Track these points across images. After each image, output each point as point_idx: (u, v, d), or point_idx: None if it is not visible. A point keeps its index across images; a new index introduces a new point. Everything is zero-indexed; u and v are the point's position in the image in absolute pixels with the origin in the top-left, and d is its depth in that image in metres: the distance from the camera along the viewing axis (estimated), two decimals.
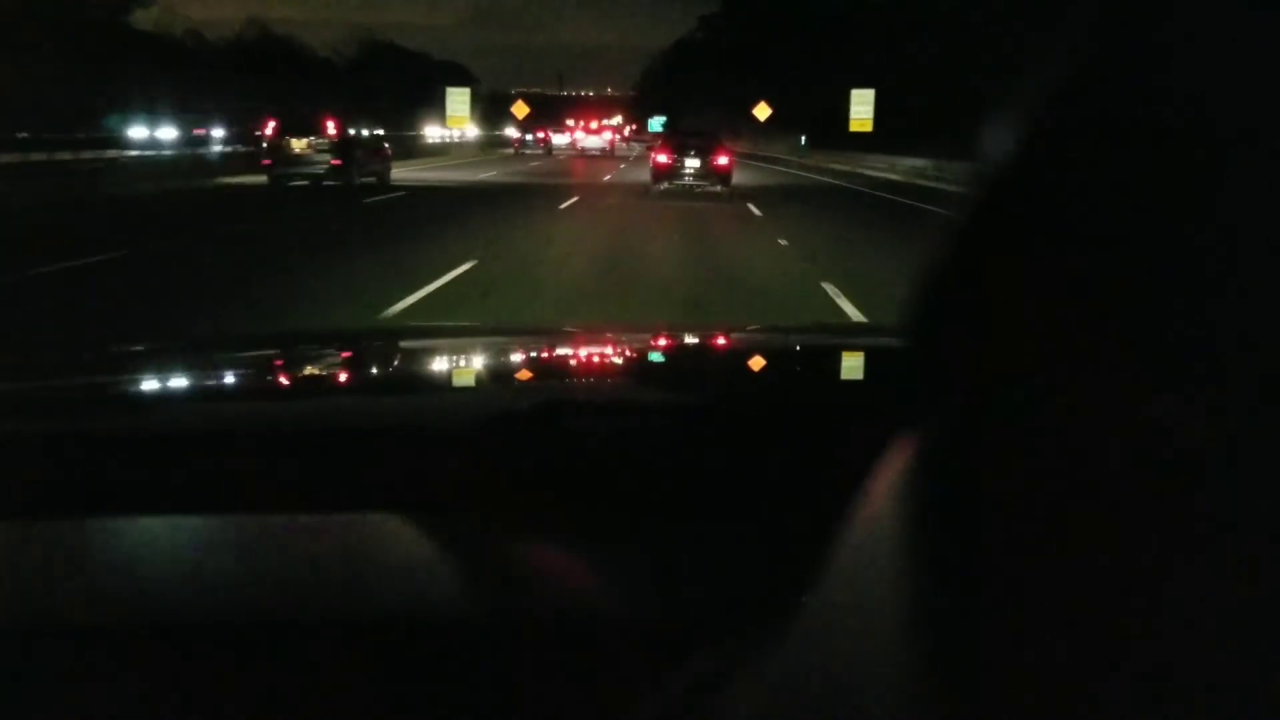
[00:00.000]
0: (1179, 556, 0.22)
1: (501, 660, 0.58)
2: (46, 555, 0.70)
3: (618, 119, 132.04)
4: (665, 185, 16.98)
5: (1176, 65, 0.24)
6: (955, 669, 0.27)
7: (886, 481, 0.36)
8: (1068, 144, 0.26)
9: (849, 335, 2.00)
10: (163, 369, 1.41)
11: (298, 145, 16.42)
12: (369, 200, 15.12)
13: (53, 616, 0.62)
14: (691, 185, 16.79)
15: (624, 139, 70.71)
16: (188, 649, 0.59)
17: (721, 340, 1.81)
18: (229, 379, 1.39)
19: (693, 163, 16.84)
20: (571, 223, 12.84)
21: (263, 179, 16.72)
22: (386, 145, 19.57)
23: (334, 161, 16.27)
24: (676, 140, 17.87)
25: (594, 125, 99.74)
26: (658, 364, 1.56)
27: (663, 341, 1.73)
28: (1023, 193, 0.27)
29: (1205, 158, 0.23)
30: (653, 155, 18.59)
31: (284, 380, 1.38)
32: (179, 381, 1.35)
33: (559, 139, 64.65)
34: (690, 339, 1.81)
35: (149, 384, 1.33)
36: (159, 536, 0.73)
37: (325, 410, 1.13)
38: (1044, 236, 0.26)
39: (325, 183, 16.38)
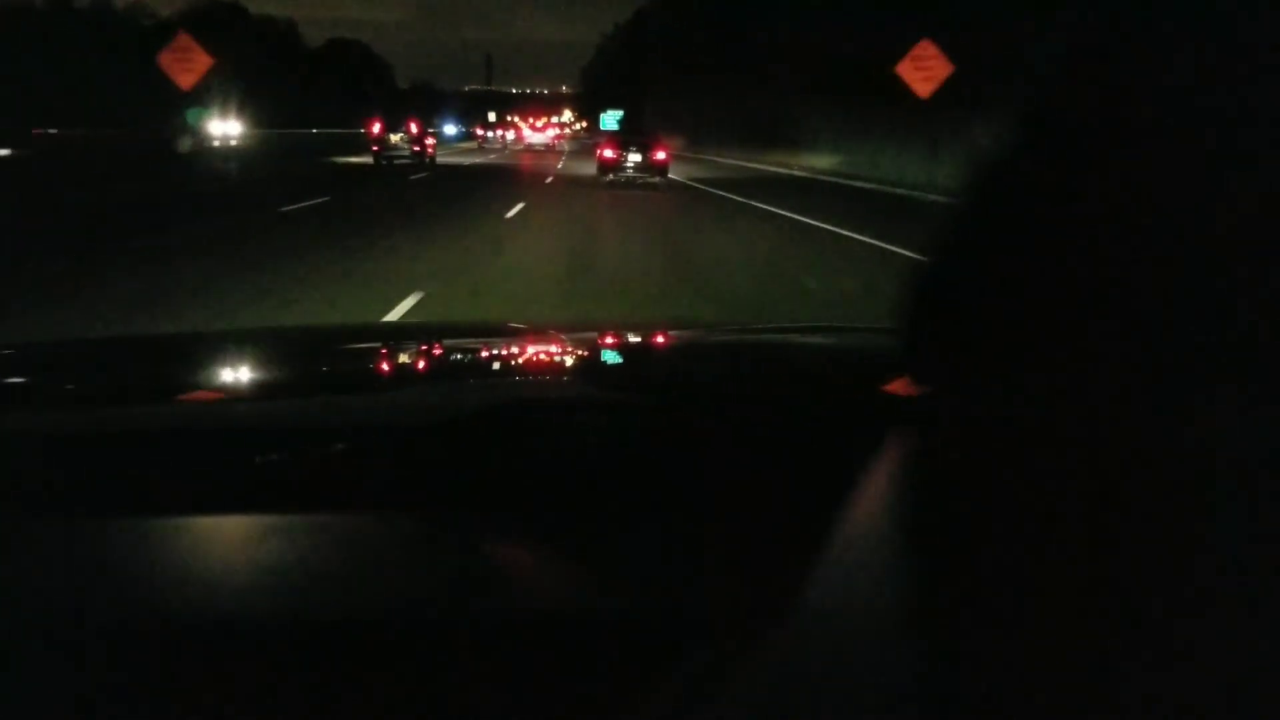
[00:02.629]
0: (1179, 557, 0.22)
1: (494, 661, 0.59)
2: (34, 556, 0.70)
3: (566, 115, 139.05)
4: (610, 177, 19.68)
5: (1177, 61, 0.24)
6: (951, 669, 0.27)
7: (882, 481, 0.36)
8: (1066, 142, 0.26)
9: (845, 334, 2.01)
10: (143, 367, 1.39)
11: (394, 138, 27.00)
12: (435, 174, 24.10)
13: (44, 616, 0.62)
14: (633, 177, 19.66)
15: (558, 137, 76.44)
16: (171, 650, 0.59)
17: (714, 337, 1.84)
18: (208, 377, 1.36)
19: (634, 157, 19.82)
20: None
21: (360, 160, 26.86)
22: (435, 137, 30.22)
23: (414, 149, 26.96)
24: (620, 139, 21.13)
25: (539, 124, 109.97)
26: (651, 362, 1.55)
27: (656, 339, 1.75)
28: (1018, 191, 0.27)
29: (1206, 155, 0.23)
30: (599, 151, 21.19)
31: (258, 379, 1.35)
32: (158, 379, 1.33)
33: (507, 135, 74.46)
34: (682, 336, 1.82)
35: (129, 382, 1.30)
36: (140, 538, 0.72)
37: (301, 409, 1.11)
38: (1041, 235, 0.26)
39: (398, 161, 26.24)
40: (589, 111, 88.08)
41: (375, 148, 27.09)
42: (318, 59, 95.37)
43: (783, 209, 15.32)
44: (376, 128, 27.23)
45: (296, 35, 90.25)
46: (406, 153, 26.94)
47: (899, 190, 21.46)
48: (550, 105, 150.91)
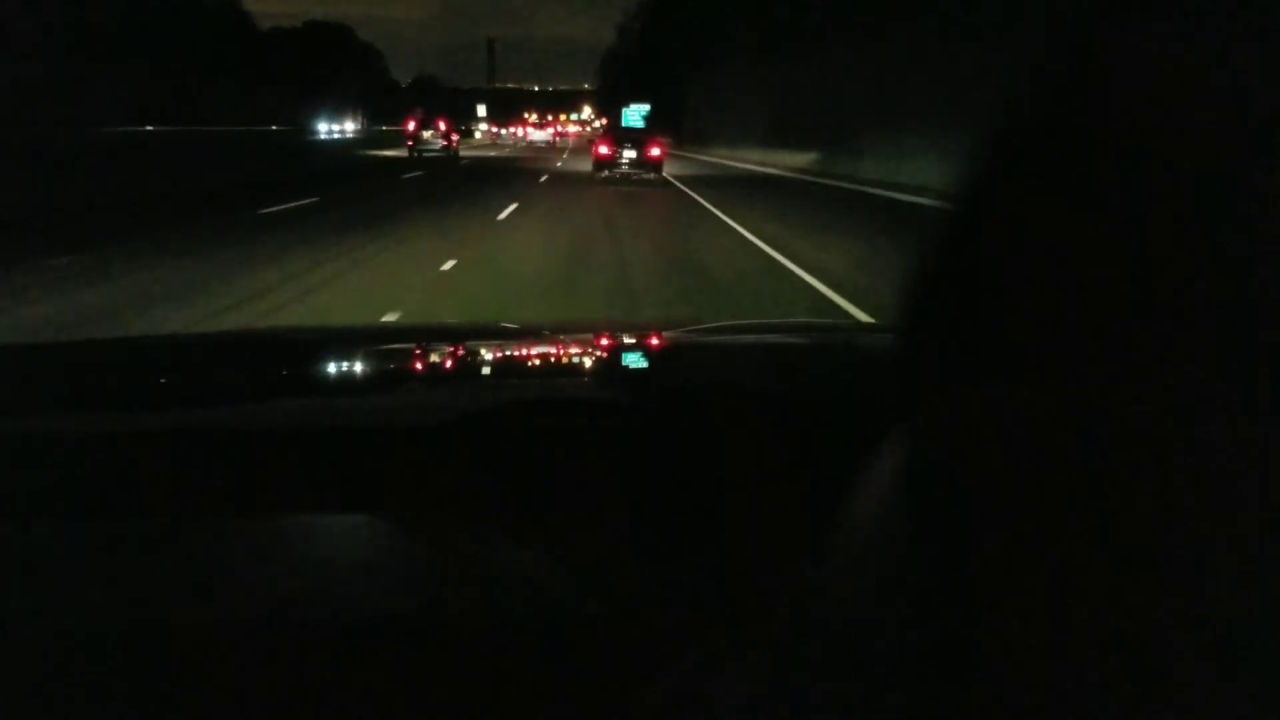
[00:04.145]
0: (1182, 557, 0.22)
1: (495, 660, 0.59)
2: (35, 557, 0.70)
3: (586, 112, 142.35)
4: (605, 174, 19.50)
5: (1177, 55, 0.23)
6: (948, 669, 0.27)
7: (880, 480, 0.36)
8: (1068, 138, 0.26)
9: (843, 333, 1.99)
10: (136, 368, 1.39)
11: (426, 134, 32.05)
12: (463, 163, 28.53)
13: (45, 616, 0.62)
14: (629, 173, 19.54)
15: (557, 135, 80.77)
16: (171, 649, 0.59)
17: (714, 337, 1.82)
18: (206, 379, 1.36)
19: (629, 154, 19.65)
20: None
21: (392, 153, 32.03)
22: (457, 134, 35.47)
23: (443, 143, 32.05)
24: (615, 136, 21.05)
25: (536, 121, 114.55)
26: (650, 363, 1.55)
27: (655, 340, 1.74)
28: (1020, 187, 0.27)
29: (1207, 153, 0.23)
30: (595, 148, 20.96)
31: (262, 381, 1.34)
32: (156, 380, 1.34)
33: (517, 132, 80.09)
34: (681, 336, 1.79)
35: (123, 383, 1.30)
36: (139, 539, 0.73)
37: (301, 411, 1.11)
38: (1042, 233, 0.26)
39: (427, 154, 31.12)
40: (611, 105, 78.59)
41: (410, 142, 32.55)
42: (290, 45, 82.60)
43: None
44: (411, 125, 32.82)
45: (240, 14, 74.90)
46: (437, 147, 32.33)
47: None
48: (567, 102, 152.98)
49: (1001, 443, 0.26)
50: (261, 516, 0.76)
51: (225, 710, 0.55)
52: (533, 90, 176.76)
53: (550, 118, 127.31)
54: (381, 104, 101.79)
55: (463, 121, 62.14)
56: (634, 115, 53.35)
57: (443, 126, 32.71)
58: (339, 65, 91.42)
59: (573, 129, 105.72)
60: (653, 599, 0.65)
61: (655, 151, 19.87)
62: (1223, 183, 0.22)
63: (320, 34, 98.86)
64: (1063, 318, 0.24)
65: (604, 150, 20.06)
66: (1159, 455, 0.22)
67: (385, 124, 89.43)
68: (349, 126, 79.62)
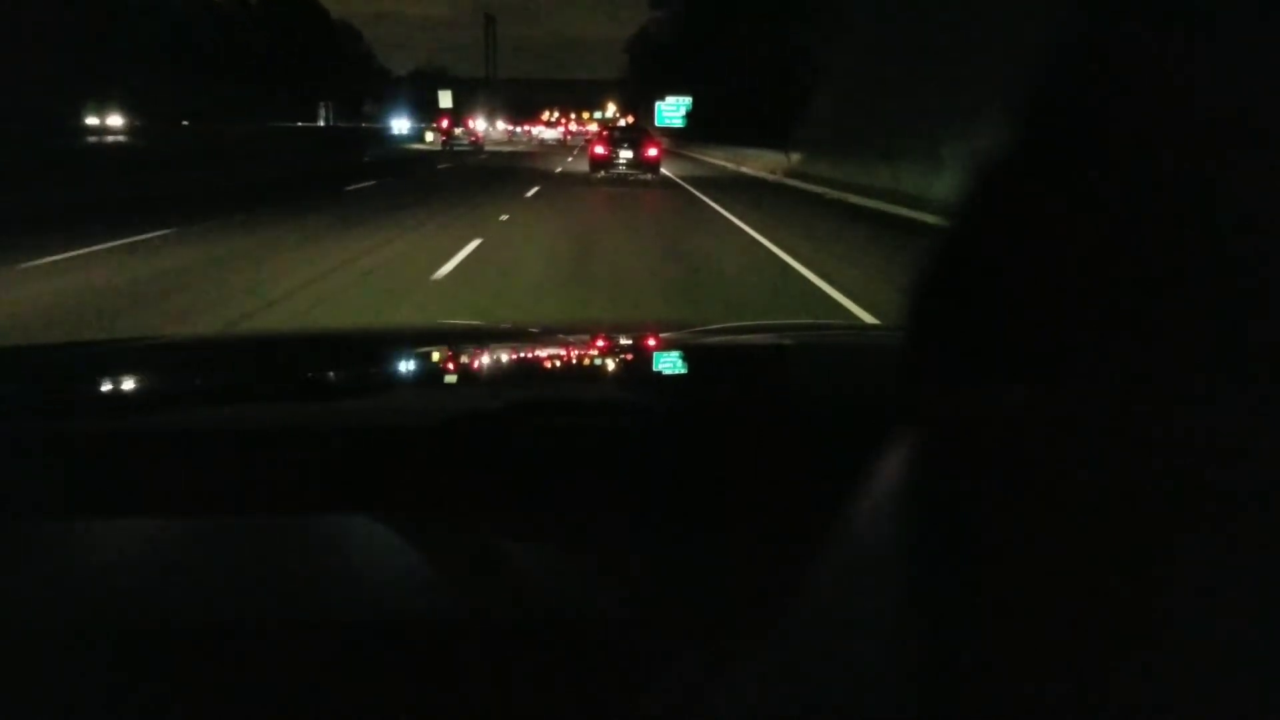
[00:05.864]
0: (1184, 559, 0.22)
1: (495, 661, 0.59)
2: (36, 557, 0.70)
3: (611, 110, 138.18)
4: (602, 173, 19.76)
5: (1179, 56, 0.23)
6: (952, 670, 0.27)
7: (881, 482, 0.36)
8: (1069, 139, 0.26)
9: (844, 334, 2.02)
10: (140, 369, 1.40)
11: (457, 131, 36.43)
12: (487, 157, 31.62)
13: (46, 616, 0.62)
14: (625, 173, 19.75)
15: (568, 133, 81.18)
16: (171, 650, 0.59)
17: (715, 338, 1.83)
18: (207, 380, 1.37)
19: (625, 154, 19.92)
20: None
21: (423, 147, 36.57)
22: (482, 131, 40.14)
23: (471, 139, 36.70)
24: (612, 136, 21.35)
25: (547, 119, 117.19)
26: (650, 364, 1.56)
27: (656, 340, 1.75)
28: (1023, 188, 0.27)
29: (1206, 153, 0.23)
30: (591, 148, 21.18)
31: (263, 381, 1.36)
32: (157, 381, 1.34)
33: (531, 130, 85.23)
34: (682, 337, 1.80)
35: (124, 384, 1.30)
36: (141, 538, 0.73)
37: (303, 411, 1.12)
38: (1043, 233, 0.26)
39: (457, 149, 35.00)
40: (639, 99, 68.31)
41: (444, 138, 37.25)
42: (236, 25, 62.30)
43: None
44: (445, 124, 37.57)
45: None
46: (465, 143, 36.84)
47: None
48: (589, 97, 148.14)
49: (1003, 443, 0.26)
50: (261, 516, 0.76)
51: (225, 710, 0.55)
52: (549, 81, 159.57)
53: (572, 116, 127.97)
54: (363, 97, 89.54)
55: (429, 117, 50.85)
56: (671, 112, 44.21)
57: (470, 125, 37.84)
58: (305, 49, 70.45)
59: (592, 127, 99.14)
60: (653, 599, 0.65)
61: (652, 152, 20.18)
62: (1223, 183, 0.22)
63: (291, 13, 76.34)
64: (1063, 318, 0.24)
65: (600, 150, 20.52)
66: (1159, 455, 0.22)
67: (369, 121, 79.23)
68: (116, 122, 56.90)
